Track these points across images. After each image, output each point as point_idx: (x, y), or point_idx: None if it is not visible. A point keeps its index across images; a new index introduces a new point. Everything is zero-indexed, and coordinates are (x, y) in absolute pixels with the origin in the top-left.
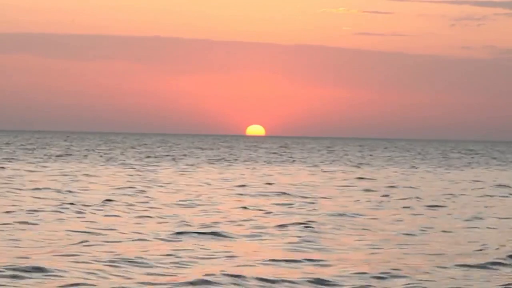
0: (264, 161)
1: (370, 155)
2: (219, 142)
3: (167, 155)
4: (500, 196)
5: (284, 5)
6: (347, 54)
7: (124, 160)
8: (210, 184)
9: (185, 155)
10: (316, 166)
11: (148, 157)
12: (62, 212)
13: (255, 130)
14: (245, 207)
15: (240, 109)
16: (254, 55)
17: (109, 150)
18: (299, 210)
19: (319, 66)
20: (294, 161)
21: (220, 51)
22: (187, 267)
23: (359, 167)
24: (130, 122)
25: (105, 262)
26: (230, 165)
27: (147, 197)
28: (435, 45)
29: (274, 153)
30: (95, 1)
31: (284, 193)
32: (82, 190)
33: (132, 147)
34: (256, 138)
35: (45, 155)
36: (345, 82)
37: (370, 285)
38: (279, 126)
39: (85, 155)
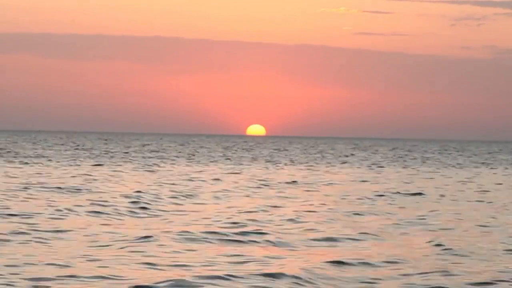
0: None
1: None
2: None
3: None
4: None
5: (284, 5)
6: (347, 54)
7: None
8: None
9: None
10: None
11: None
12: None
13: (255, 130)
14: None
15: (240, 109)
16: (254, 55)
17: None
18: None
19: (319, 66)
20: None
21: (220, 51)
22: None
23: None
24: (130, 122)
25: None
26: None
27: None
28: (435, 45)
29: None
30: (95, 1)
31: None
32: None
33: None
34: (260, 138)
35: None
36: (345, 82)
37: None
38: (279, 126)
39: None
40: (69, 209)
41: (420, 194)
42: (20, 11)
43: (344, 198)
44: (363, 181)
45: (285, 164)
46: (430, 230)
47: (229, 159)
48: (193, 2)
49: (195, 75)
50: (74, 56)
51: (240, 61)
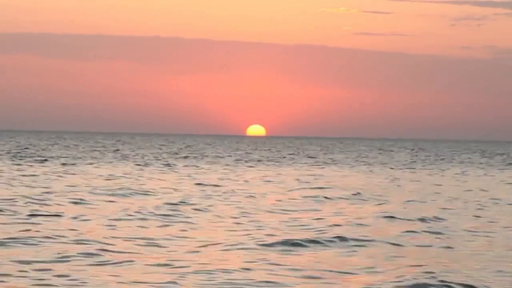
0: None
1: None
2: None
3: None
4: None
5: (284, 5)
6: (347, 54)
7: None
8: None
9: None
10: None
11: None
12: None
13: (255, 130)
14: None
15: (240, 109)
16: (254, 55)
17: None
18: None
19: (319, 66)
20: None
21: (220, 51)
22: None
23: None
24: (130, 122)
25: None
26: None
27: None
28: (435, 45)
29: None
30: (95, 1)
31: None
32: None
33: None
34: (263, 139)
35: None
36: (345, 82)
37: None
38: (279, 126)
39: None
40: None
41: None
42: (20, 11)
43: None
44: (437, 184)
45: (313, 164)
46: None
47: (260, 160)
48: (193, 2)
49: (195, 75)
50: (74, 56)
51: (240, 61)
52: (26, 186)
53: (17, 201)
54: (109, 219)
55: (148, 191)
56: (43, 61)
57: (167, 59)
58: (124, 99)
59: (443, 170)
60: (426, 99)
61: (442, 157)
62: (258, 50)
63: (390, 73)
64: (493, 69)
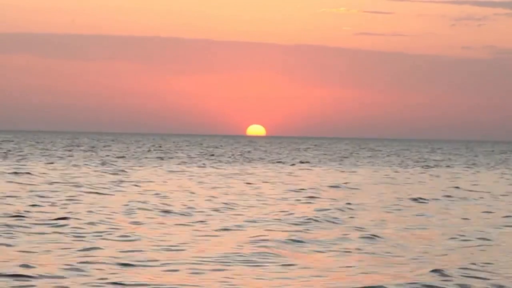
0: None
1: None
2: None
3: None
4: None
5: (284, 5)
6: (347, 54)
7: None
8: None
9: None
10: None
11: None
12: None
13: (255, 130)
14: None
15: (240, 109)
16: (254, 55)
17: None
18: None
19: (319, 66)
20: None
21: (220, 51)
22: None
23: None
24: (130, 122)
25: None
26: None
27: None
28: (435, 45)
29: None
30: (95, 1)
31: None
32: None
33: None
34: (264, 139)
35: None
36: (345, 82)
37: None
38: (280, 126)
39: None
40: None
41: None
42: (20, 11)
43: None
44: None
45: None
46: None
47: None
48: (193, 2)
49: (195, 75)
50: (74, 56)
51: (240, 61)
52: None
53: None
54: None
55: None
56: (43, 61)
57: (167, 59)
58: (124, 99)
59: None
60: (426, 99)
61: None
62: (258, 50)
63: (390, 73)
64: (493, 69)
